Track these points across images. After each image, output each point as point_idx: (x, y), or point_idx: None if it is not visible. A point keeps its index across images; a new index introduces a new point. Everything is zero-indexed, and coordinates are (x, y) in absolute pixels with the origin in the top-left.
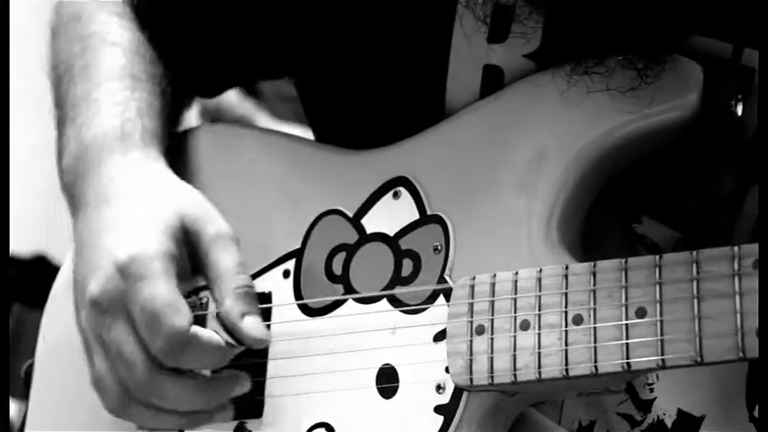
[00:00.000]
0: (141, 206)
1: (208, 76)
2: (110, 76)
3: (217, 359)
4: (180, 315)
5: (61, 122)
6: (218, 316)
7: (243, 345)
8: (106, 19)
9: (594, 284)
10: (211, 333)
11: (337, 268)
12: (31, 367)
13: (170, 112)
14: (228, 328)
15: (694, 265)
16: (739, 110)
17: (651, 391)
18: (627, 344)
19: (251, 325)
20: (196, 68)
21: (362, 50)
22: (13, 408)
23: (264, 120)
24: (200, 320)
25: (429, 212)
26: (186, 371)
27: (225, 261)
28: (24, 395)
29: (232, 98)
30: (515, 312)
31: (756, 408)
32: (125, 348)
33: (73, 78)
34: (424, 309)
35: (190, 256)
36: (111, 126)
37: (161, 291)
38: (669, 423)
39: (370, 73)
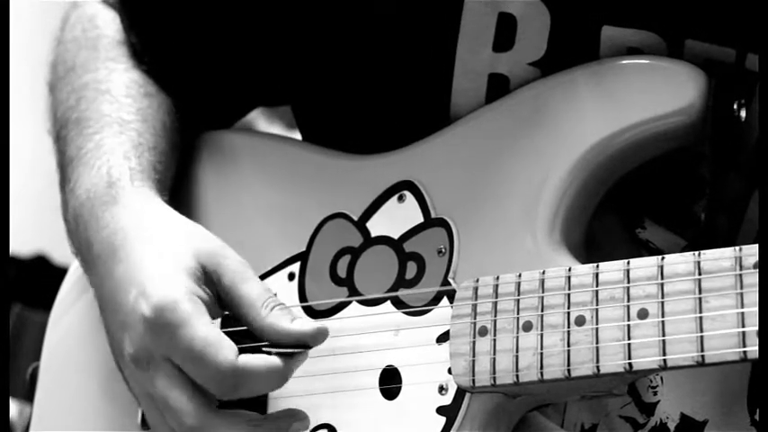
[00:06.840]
0: (152, 253)
1: (214, 107)
2: (99, 127)
3: (277, 378)
4: (224, 349)
5: (61, 184)
6: (268, 346)
7: (307, 346)
8: (99, 66)
9: (597, 285)
10: (262, 356)
11: (342, 271)
12: (36, 370)
13: (165, 141)
14: (284, 342)
15: (696, 266)
16: (743, 114)
17: (655, 394)
18: (629, 344)
19: (304, 324)
20: (200, 100)
21: (368, 60)
22: (14, 408)
23: (276, 128)
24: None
25: (433, 216)
26: (242, 412)
27: (253, 291)
28: (29, 398)
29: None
30: (518, 313)
31: (757, 411)
32: (170, 398)
33: (67, 136)
34: (428, 310)
35: (214, 294)
36: (99, 177)
37: (199, 332)
38: (672, 427)
39: (375, 82)
